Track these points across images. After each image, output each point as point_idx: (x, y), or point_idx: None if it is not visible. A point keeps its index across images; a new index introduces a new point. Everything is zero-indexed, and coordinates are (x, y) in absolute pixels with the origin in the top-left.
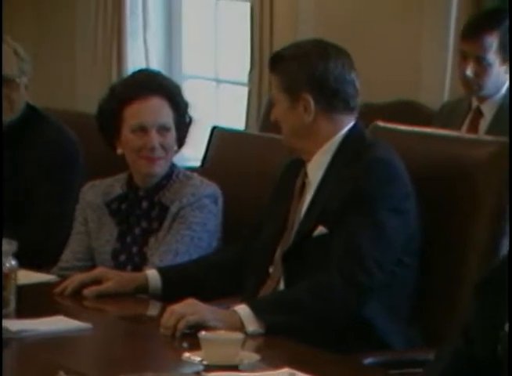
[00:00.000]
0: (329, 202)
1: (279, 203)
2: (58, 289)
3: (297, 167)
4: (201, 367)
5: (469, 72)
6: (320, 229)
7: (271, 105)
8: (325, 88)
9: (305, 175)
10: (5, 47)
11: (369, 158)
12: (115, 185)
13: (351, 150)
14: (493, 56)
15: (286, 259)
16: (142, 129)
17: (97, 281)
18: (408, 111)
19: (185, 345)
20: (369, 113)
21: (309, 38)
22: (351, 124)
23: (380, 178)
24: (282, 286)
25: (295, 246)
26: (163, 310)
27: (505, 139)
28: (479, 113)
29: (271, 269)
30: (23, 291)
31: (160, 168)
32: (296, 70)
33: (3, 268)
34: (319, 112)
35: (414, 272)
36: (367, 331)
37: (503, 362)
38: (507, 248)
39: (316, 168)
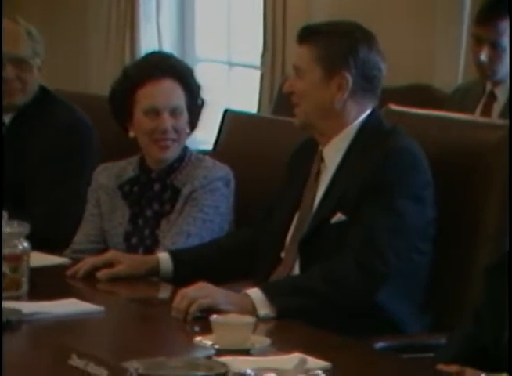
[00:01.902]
0: (348, 189)
1: (292, 187)
2: (70, 271)
3: (309, 150)
4: (212, 351)
5: (483, 57)
6: (339, 216)
7: (284, 81)
8: (365, 71)
9: (321, 159)
10: (18, 28)
11: (391, 146)
12: (127, 167)
13: (370, 136)
14: (507, 41)
15: (302, 245)
16: (155, 111)
17: (109, 264)
18: (421, 94)
19: (196, 328)
20: (382, 96)
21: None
22: (369, 110)
23: (402, 167)
24: (296, 271)
25: (312, 232)
26: (174, 293)
27: None
28: (493, 97)
29: (282, 254)
30: (36, 273)
31: (173, 153)
32: (339, 46)
33: (16, 250)
34: (351, 94)
35: (429, 257)
36: (381, 316)
37: (509, 348)
38: None
39: (333, 153)
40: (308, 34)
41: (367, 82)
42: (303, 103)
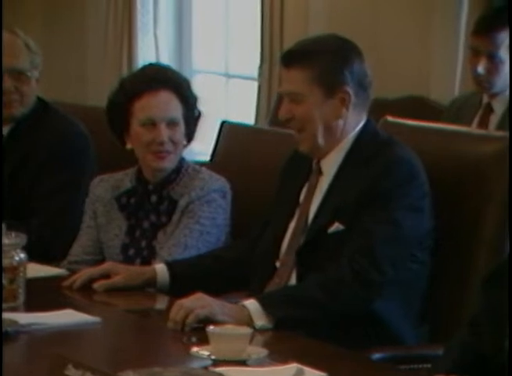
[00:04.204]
0: (346, 198)
1: (285, 197)
2: (66, 282)
3: (302, 159)
4: (209, 362)
5: (480, 69)
6: (336, 226)
7: (280, 100)
8: (361, 81)
9: (319, 172)
10: (16, 40)
11: (390, 157)
12: (124, 179)
13: (367, 146)
14: (505, 53)
15: (299, 255)
16: (151, 123)
17: (106, 275)
18: (418, 106)
19: (193, 339)
20: (379, 108)
21: (323, 33)
22: (364, 121)
23: (400, 177)
24: (293, 281)
25: (309, 242)
26: (171, 304)
27: None
28: (489, 109)
29: (277, 264)
30: (33, 284)
31: (170, 163)
32: (334, 64)
33: (13, 261)
34: (352, 106)
35: (427, 267)
36: (378, 326)
37: (509, 357)
38: None
39: (331, 165)
40: (296, 57)
41: (365, 92)
42: (308, 126)
